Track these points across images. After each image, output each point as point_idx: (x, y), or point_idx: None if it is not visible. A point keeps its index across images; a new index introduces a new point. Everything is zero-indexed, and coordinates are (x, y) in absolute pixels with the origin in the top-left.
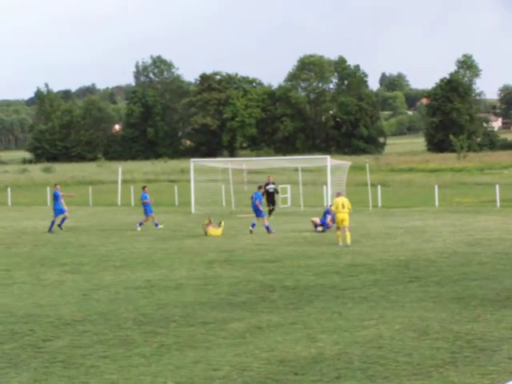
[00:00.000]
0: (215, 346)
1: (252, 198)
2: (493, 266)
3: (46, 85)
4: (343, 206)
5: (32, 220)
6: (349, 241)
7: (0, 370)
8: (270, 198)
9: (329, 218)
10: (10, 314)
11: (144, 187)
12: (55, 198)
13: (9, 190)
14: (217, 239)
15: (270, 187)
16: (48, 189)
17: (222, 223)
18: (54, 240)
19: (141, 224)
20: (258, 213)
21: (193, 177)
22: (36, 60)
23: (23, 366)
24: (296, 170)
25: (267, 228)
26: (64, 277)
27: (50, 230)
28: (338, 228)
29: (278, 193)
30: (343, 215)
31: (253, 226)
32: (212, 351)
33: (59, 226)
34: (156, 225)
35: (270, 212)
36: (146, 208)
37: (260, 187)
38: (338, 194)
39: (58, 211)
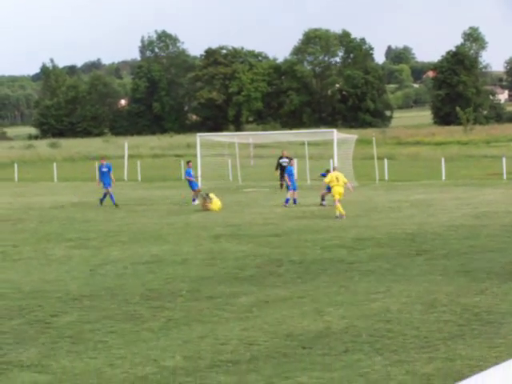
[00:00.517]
0: (223, 320)
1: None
2: (500, 238)
3: (52, 60)
4: (337, 180)
5: (38, 196)
6: (337, 212)
7: (8, 346)
8: (284, 172)
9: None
10: (18, 289)
11: (188, 162)
12: (106, 171)
13: (15, 165)
14: (223, 214)
15: (284, 161)
16: (54, 164)
17: (211, 195)
18: (60, 216)
19: (194, 200)
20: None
21: (199, 151)
22: (41, 35)
23: (31, 342)
24: (302, 143)
25: (292, 201)
26: (71, 252)
27: (113, 203)
28: (338, 200)
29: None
30: (340, 188)
31: (294, 201)
32: (219, 325)
33: (101, 200)
34: (193, 200)
35: (282, 186)
36: (191, 184)
37: (291, 159)
38: (334, 169)
39: (107, 184)
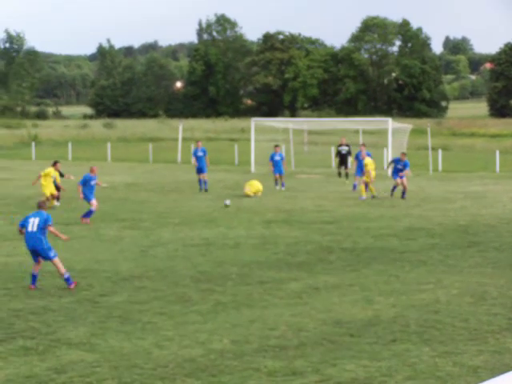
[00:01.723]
0: (272, 305)
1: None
2: None
3: (108, 40)
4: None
5: None
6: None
7: (57, 324)
8: (343, 159)
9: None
10: (69, 268)
11: (276, 146)
12: (202, 156)
13: (69, 144)
14: (275, 199)
15: (343, 148)
16: (109, 144)
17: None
18: (113, 196)
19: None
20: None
21: (253, 136)
22: (99, 16)
23: (80, 320)
24: (357, 131)
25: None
26: (123, 233)
27: (201, 189)
28: (366, 183)
29: (350, 154)
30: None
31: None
32: (268, 310)
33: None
34: (282, 184)
35: (340, 174)
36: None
37: (363, 144)
38: (365, 155)
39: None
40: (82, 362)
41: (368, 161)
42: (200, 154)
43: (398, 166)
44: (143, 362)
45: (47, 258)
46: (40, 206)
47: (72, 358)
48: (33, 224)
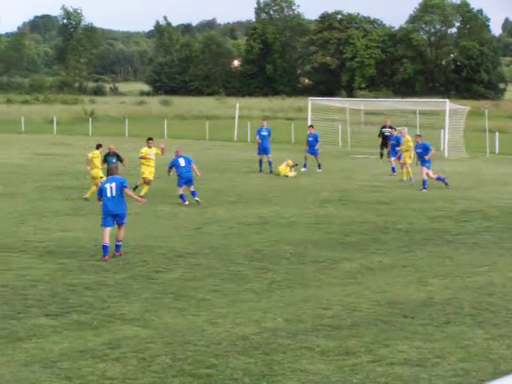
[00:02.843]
0: (325, 284)
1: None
2: None
3: (165, 18)
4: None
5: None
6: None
7: (112, 299)
8: (386, 141)
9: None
10: (124, 243)
11: (310, 126)
12: (266, 135)
13: (126, 120)
14: (331, 179)
15: (386, 130)
16: (165, 121)
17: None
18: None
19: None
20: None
21: (310, 115)
22: None
23: (134, 296)
24: (414, 112)
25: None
26: (178, 209)
27: (265, 170)
28: (404, 165)
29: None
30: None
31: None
32: (322, 290)
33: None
34: (319, 166)
35: (382, 155)
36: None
37: (394, 129)
38: (404, 133)
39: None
40: (135, 337)
41: (408, 139)
42: (264, 133)
43: (418, 150)
44: (197, 339)
45: (121, 223)
46: (112, 171)
47: (126, 333)
48: (111, 189)
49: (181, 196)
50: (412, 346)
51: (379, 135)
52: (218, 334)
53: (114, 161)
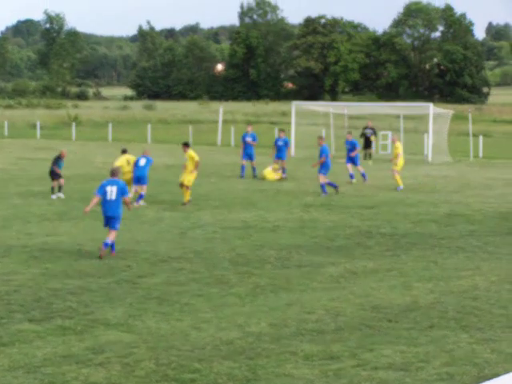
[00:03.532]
0: (310, 289)
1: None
2: None
3: (148, 22)
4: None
5: (132, 157)
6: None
7: (96, 304)
8: (367, 142)
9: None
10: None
11: (281, 130)
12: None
13: (109, 125)
14: (315, 183)
15: (368, 131)
16: (149, 126)
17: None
18: (153, 177)
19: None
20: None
21: (294, 120)
22: None
23: (118, 301)
24: (398, 116)
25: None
26: (162, 214)
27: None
28: (394, 171)
29: (375, 135)
30: (402, 160)
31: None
32: (306, 294)
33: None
34: (283, 171)
35: (365, 156)
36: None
37: (349, 133)
38: (395, 140)
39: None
40: (119, 342)
41: (399, 145)
42: (248, 139)
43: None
44: (180, 344)
45: (114, 227)
46: (113, 173)
47: (110, 338)
48: (111, 192)
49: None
50: (396, 351)
51: (361, 136)
52: (202, 338)
53: (63, 165)
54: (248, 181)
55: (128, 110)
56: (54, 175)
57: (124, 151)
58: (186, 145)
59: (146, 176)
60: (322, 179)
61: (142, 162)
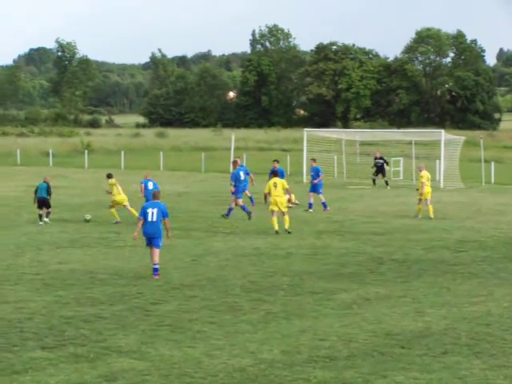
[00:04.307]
0: (322, 315)
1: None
2: None
3: (160, 50)
4: (428, 179)
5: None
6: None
7: (108, 331)
8: (380, 170)
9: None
10: (120, 276)
11: (275, 161)
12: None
13: (122, 153)
14: (328, 210)
15: (379, 162)
16: (161, 154)
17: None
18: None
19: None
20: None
21: (306, 146)
22: (153, 25)
23: (131, 328)
24: (409, 143)
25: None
26: (174, 241)
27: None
28: (420, 200)
29: (387, 164)
30: (428, 188)
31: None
32: (319, 321)
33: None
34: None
35: (374, 182)
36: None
37: (314, 160)
38: (422, 168)
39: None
40: (132, 370)
41: (425, 174)
42: (242, 173)
43: (311, 173)
44: (193, 371)
45: (157, 245)
46: (155, 196)
47: (122, 365)
48: (152, 214)
49: None
50: (409, 377)
51: (372, 167)
52: (215, 365)
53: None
54: (260, 208)
55: (140, 138)
56: (45, 204)
57: (109, 176)
58: (108, 176)
59: None
60: (239, 202)
61: (151, 185)
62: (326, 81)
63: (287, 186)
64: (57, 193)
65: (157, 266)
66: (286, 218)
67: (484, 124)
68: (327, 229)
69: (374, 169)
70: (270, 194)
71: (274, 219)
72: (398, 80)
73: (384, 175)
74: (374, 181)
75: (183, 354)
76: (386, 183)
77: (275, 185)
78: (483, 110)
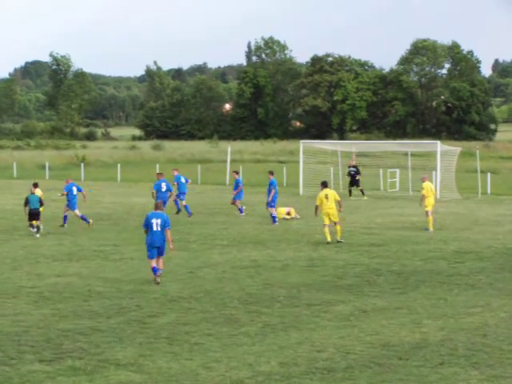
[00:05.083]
0: (320, 327)
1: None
2: None
3: (155, 62)
4: (431, 190)
5: (140, 196)
6: (431, 227)
7: (105, 344)
8: (353, 179)
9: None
10: (118, 289)
11: (235, 172)
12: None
13: (118, 166)
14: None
15: (352, 170)
16: (157, 166)
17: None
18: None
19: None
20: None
21: (302, 158)
22: (149, 37)
23: (128, 341)
24: (405, 154)
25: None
26: (171, 254)
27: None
28: (427, 212)
29: (359, 174)
30: (431, 200)
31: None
32: (316, 333)
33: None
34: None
35: (350, 192)
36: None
37: (271, 172)
38: (424, 179)
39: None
40: (130, 382)
41: (426, 185)
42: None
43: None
44: (191, 383)
45: (162, 254)
46: (157, 207)
47: (120, 378)
48: (157, 224)
49: None
50: None
51: (347, 174)
52: (212, 378)
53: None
54: (257, 220)
55: (136, 150)
56: (37, 216)
57: (35, 185)
58: (34, 185)
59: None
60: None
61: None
62: (321, 92)
63: (339, 198)
64: (54, 206)
65: (159, 270)
66: (338, 227)
67: (480, 135)
68: (324, 240)
69: (349, 178)
70: (321, 205)
71: (327, 230)
72: (393, 91)
73: (358, 185)
74: (350, 191)
75: (181, 367)
76: (362, 192)
77: (327, 196)
78: (479, 121)
